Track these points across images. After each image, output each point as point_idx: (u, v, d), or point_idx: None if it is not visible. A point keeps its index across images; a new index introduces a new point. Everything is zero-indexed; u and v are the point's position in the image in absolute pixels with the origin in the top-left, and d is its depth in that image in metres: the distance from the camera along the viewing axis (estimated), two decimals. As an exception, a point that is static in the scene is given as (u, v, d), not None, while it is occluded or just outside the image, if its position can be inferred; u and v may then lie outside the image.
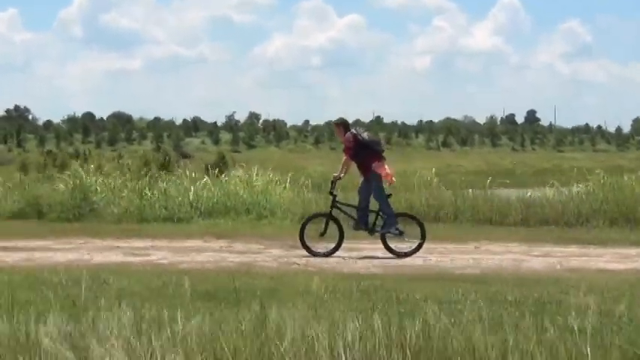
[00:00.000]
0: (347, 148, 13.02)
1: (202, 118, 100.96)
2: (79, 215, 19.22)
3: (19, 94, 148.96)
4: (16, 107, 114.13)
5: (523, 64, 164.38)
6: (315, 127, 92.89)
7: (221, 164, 62.12)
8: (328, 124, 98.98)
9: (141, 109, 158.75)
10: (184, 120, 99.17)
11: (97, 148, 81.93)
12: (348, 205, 13.64)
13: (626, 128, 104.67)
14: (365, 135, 13.11)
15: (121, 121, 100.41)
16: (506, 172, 52.08)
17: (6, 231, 16.47)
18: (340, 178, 13.39)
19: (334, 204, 13.31)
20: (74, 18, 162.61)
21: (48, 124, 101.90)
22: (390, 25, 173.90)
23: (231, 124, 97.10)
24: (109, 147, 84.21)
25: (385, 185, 13.08)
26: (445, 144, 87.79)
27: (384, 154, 13.28)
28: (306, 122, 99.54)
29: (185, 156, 66.81)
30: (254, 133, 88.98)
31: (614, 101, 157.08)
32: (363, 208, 13.19)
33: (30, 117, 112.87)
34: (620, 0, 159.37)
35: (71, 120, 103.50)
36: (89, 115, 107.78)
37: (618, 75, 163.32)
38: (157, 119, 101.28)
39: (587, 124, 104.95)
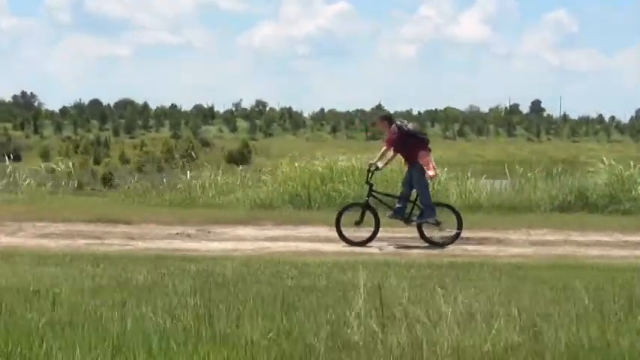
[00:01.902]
0: (390, 139, 13.11)
1: (186, 104, 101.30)
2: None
3: (6, 80, 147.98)
4: (23, 93, 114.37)
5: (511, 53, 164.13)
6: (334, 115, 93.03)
7: (245, 152, 62.91)
8: (348, 113, 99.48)
9: (128, 95, 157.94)
10: (200, 107, 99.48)
11: (115, 136, 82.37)
12: (385, 195, 13.77)
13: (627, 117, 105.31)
14: (410, 126, 13.27)
15: (136, 108, 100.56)
16: (527, 162, 52.21)
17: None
18: (378, 168, 13.54)
19: (370, 193, 13.42)
20: (61, 4, 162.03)
21: (64, 110, 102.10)
22: (377, 12, 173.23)
23: (248, 112, 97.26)
24: (126, 134, 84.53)
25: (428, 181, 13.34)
26: (461, 133, 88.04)
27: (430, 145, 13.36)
28: (322, 110, 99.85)
29: (205, 144, 67.25)
30: (270, 121, 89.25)
31: (610, 90, 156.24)
32: (403, 198, 13.30)
33: (36, 103, 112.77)
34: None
35: (77, 106, 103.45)
36: (95, 102, 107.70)
37: (611, 64, 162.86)
38: (173, 106, 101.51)
39: (600, 115, 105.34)
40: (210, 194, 20.06)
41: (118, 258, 10.52)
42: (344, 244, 13.00)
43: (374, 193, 13.46)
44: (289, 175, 19.49)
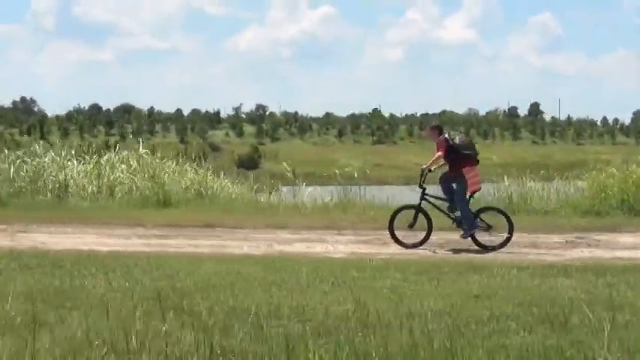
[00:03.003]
0: (442, 148, 13.22)
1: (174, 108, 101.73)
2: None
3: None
4: (23, 98, 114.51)
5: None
6: (337, 119, 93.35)
7: (255, 156, 63.24)
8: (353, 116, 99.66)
9: (115, 100, 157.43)
10: (206, 112, 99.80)
11: (122, 141, 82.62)
12: (438, 198, 13.78)
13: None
14: (457, 139, 13.35)
15: (137, 113, 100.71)
16: (536, 165, 52.42)
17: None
18: (430, 170, 13.66)
19: (423, 196, 13.55)
20: (46, 9, 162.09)
21: (70, 115, 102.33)
22: (362, 17, 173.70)
23: (254, 116, 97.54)
24: (133, 139, 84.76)
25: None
26: (466, 135, 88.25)
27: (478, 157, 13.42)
28: (327, 115, 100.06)
29: (215, 148, 67.43)
30: (277, 126, 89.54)
31: (598, 93, 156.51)
32: (453, 209, 13.46)
33: (36, 108, 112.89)
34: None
35: (77, 111, 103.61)
36: (96, 107, 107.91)
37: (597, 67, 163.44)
38: (179, 111, 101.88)
39: (604, 117, 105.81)
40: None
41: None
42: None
43: (426, 197, 13.61)
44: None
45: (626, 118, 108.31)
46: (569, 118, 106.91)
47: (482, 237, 13.21)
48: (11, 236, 13.98)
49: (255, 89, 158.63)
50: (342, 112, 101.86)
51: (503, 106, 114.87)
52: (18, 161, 21.94)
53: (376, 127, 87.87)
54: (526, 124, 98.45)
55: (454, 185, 13.31)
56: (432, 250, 13.03)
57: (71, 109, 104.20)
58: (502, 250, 12.93)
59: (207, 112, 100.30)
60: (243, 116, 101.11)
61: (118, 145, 27.34)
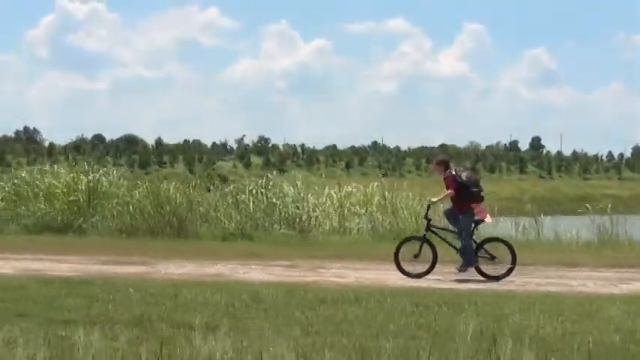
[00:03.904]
0: (451, 185, 13.46)
1: (168, 139, 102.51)
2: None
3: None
4: (26, 128, 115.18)
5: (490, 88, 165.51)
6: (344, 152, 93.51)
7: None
8: (357, 148, 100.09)
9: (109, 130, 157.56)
10: (214, 143, 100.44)
11: (131, 171, 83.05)
12: (442, 229, 14.15)
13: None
14: (464, 176, 13.49)
15: (141, 143, 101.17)
16: (543, 199, 52.75)
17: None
18: (434, 202, 14.12)
19: (429, 227, 13.88)
20: (40, 39, 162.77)
21: (77, 145, 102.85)
22: (356, 50, 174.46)
23: (261, 148, 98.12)
24: (140, 170, 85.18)
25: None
26: (472, 170, 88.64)
27: (483, 193, 13.63)
28: (334, 147, 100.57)
29: (224, 180, 67.77)
30: (284, 158, 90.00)
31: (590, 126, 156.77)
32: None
33: (38, 138, 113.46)
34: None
35: (81, 141, 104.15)
36: (99, 137, 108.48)
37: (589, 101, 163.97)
38: (186, 142, 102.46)
39: (610, 152, 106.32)
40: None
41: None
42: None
43: (432, 228, 13.92)
44: None
45: (626, 152, 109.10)
46: (574, 152, 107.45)
47: (486, 267, 13.49)
48: (313, 272, 14.13)
49: (247, 120, 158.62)
50: (339, 144, 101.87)
51: (504, 140, 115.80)
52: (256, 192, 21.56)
53: (383, 160, 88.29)
54: (532, 158, 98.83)
55: (460, 217, 13.54)
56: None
57: (73, 138, 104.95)
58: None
59: (214, 143, 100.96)
60: (248, 146, 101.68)
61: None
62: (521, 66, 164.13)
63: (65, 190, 21.40)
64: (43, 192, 21.55)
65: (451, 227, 14.02)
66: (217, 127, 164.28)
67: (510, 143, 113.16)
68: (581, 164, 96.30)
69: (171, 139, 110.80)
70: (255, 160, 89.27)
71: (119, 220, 20.80)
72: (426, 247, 13.59)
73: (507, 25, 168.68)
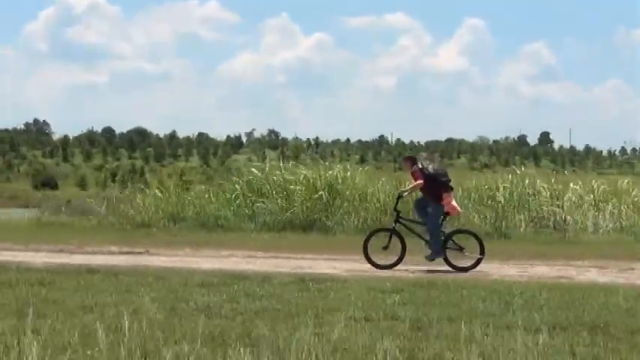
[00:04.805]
0: (416, 176, 13.64)
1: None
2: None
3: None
4: (36, 121, 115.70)
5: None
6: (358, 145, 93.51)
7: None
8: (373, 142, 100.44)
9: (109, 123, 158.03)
10: (228, 137, 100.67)
11: (146, 164, 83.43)
12: (411, 221, 14.34)
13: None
14: (430, 168, 13.66)
15: (149, 137, 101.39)
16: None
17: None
18: (404, 194, 14.27)
19: (398, 219, 13.90)
20: (39, 33, 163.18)
21: (92, 137, 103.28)
22: (356, 44, 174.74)
23: (276, 142, 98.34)
24: (156, 163, 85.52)
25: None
26: (487, 165, 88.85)
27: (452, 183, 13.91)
28: (348, 140, 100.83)
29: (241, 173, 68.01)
30: (299, 151, 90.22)
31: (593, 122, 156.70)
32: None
33: (47, 131, 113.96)
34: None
35: (90, 134, 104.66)
36: (108, 130, 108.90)
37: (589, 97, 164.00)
38: (201, 135, 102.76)
39: (623, 148, 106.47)
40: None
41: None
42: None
43: (401, 220, 14.04)
44: None
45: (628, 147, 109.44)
46: (587, 147, 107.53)
47: (454, 258, 13.58)
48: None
49: (246, 114, 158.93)
50: (342, 137, 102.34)
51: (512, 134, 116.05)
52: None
53: (398, 154, 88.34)
54: (545, 153, 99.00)
55: (429, 209, 13.68)
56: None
57: (84, 131, 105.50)
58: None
59: (228, 137, 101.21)
60: (262, 139, 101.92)
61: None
62: (520, 61, 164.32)
63: (305, 186, 20.75)
64: (281, 189, 21.03)
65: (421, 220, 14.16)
66: (217, 120, 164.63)
67: (519, 137, 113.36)
68: (594, 159, 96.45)
69: (170, 131, 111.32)
70: (270, 153, 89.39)
71: (361, 217, 20.08)
72: (394, 239, 13.67)
73: (507, 20, 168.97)
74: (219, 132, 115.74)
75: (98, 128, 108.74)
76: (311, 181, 20.78)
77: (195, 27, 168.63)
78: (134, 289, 9.53)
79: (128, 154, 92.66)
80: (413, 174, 13.68)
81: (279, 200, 20.59)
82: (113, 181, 65.44)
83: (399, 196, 14.22)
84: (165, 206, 21.63)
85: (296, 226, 19.61)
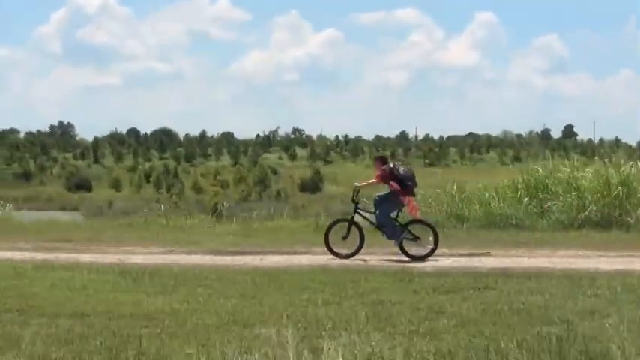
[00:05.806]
0: (380, 175, 14.28)
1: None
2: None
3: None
4: (60, 123, 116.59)
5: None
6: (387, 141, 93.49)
7: (317, 180, 63.88)
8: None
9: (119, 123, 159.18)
10: (257, 136, 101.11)
11: (177, 164, 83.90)
12: (368, 212, 14.90)
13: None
14: (401, 170, 14.39)
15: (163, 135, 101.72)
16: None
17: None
18: (359, 187, 14.73)
19: (356, 210, 14.63)
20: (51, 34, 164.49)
21: (121, 139, 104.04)
22: (366, 40, 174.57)
23: (304, 140, 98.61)
24: (186, 163, 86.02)
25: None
26: (517, 159, 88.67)
27: (415, 190, 14.56)
28: (378, 137, 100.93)
29: (273, 172, 68.19)
30: (329, 149, 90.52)
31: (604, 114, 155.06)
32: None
33: (71, 133, 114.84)
34: None
35: (115, 136, 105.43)
36: (133, 131, 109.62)
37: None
38: (229, 134, 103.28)
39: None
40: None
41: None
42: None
43: (359, 211, 14.72)
44: None
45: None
46: (616, 139, 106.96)
47: (410, 248, 14.14)
48: None
49: (258, 112, 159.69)
50: (351, 134, 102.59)
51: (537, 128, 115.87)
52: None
53: (428, 150, 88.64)
54: (575, 146, 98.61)
55: (389, 202, 14.31)
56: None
57: (108, 133, 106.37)
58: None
59: (257, 135, 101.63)
60: (291, 137, 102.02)
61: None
62: (532, 54, 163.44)
63: (598, 184, 20.16)
64: (572, 187, 20.49)
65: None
66: (228, 118, 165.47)
67: (542, 132, 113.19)
68: (626, 152, 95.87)
69: (185, 131, 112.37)
70: (300, 152, 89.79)
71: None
72: (353, 230, 14.29)
73: (518, 14, 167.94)
74: (241, 131, 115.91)
75: (122, 129, 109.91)
76: (605, 177, 20.18)
77: (206, 26, 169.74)
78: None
79: (159, 154, 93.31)
80: (382, 172, 14.29)
81: (568, 198, 20.26)
82: (148, 182, 65.96)
83: (355, 190, 14.78)
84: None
85: (592, 224, 19.25)
